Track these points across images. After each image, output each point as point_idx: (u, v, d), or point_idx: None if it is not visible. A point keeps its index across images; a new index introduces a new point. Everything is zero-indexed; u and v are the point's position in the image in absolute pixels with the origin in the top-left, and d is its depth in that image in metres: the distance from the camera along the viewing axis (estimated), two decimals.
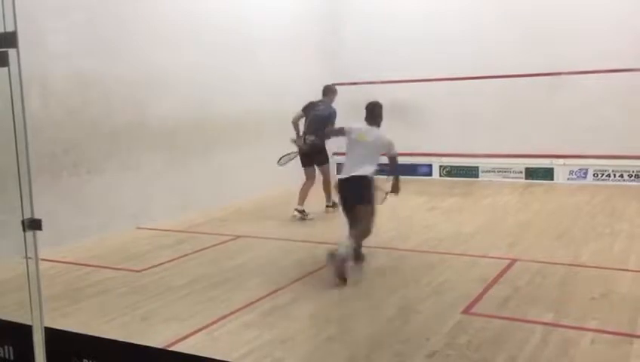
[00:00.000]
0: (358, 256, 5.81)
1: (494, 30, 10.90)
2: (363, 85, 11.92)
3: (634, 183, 10.27)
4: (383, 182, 5.98)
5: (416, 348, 3.97)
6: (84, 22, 7.29)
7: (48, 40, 6.82)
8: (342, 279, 5.22)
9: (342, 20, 12.27)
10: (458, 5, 11.24)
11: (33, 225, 2.66)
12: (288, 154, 8.29)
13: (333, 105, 8.49)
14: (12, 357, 3.04)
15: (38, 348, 2.76)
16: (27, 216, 2.66)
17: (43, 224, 2.68)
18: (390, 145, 5.97)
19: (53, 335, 2.92)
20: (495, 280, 5.29)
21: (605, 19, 10.10)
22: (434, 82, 11.19)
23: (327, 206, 8.66)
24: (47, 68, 6.80)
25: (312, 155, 8.44)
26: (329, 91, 8.63)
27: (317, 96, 12.58)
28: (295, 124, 8.34)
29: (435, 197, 9.69)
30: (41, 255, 2.77)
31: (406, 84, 10.63)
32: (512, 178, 11.19)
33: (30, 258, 2.70)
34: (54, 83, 6.94)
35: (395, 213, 8.15)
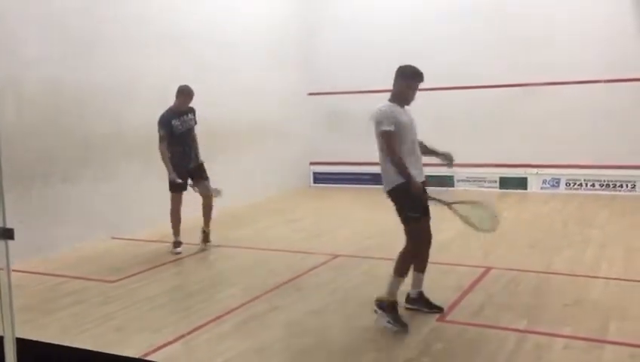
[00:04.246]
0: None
1: (468, 40, 11.06)
2: (339, 95, 12.00)
3: (605, 192, 10.45)
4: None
5: (391, 356, 3.99)
6: (58, 29, 7.24)
7: (22, 47, 6.77)
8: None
9: (318, 29, 12.34)
10: (434, 16, 11.37)
11: (5, 234, 2.62)
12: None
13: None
14: None
15: (10, 360, 2.72)
16: None
17: (15, 233, 2.65)
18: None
19: (26, 347, 2.88)
20: (470, 288, 5.35)
21: (577, 31, 10.32)
22: None
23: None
24: (20, 75, 6.74)
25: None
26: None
27: (294, 104, 12.59)
28: None
29: None
30: (13, 265, 2.73)
31: (382, 94, 10.73)
32: (487, 187, 11.32)
33: (1, 269, 2.66)
34: (28, 90, 6.87)
35: (372, 222, 8.20)
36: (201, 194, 7.15)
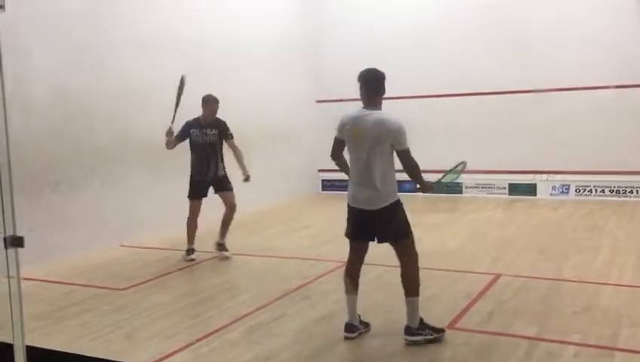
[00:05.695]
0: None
1: (476, 47, 11.04)
2: (347, 102, 11.98)
3: (615, 198, 10.40)
4: None
5: None
6: (66, 38, 7.29)
7: (29, 55, 6.80)
8: None
9: (326, 36, 12.36)
10: (441, 22, 11.37)
11: (15, 242, 2.63)
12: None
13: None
14: None
15: None
16: (9, 233, 2.63)
17: (25, 241, 2.66)
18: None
19: (36, 354, 2.89)
20: (479, 295, 5.32)
21: (584, 36, 10.28)
22: (417, 99, 11.27)
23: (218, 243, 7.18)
24: (28, 84, 6.78)
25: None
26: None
27: (302, 112, 12.58)
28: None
29: (419, 213, 9.70)
30: (23, 273, 2.75)
31: (389, 101, 10.71)
32: (496, 194, 11.28)
33: (12, 277, 2.67)
34: (35, 99, 6.91)
35: None
36: (225, 203, 7.08)
